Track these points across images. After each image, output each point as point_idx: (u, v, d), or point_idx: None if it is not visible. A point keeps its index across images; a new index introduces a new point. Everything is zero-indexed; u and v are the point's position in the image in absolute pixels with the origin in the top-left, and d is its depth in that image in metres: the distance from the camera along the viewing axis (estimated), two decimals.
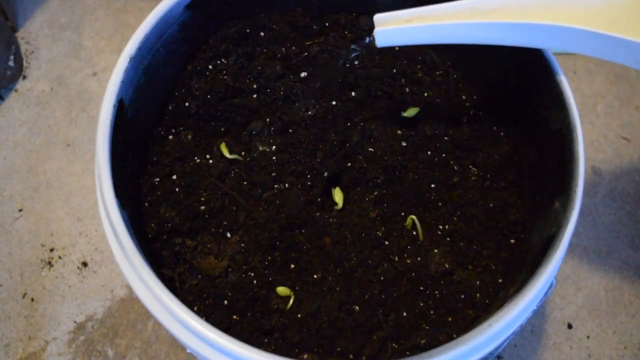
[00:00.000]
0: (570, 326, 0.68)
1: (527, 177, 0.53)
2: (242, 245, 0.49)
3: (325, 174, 0.53)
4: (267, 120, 0.55)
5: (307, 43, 0.59)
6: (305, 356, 0.44)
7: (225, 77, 0.56)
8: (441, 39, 0.41)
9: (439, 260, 0.49)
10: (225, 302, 0.47)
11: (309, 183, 0.52)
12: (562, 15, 0.40)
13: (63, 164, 0.76)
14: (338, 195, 0.52)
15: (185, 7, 0.53)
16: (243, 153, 0.54)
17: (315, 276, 0.49)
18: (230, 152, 0.53)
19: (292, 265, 0.49)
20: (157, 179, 0.52)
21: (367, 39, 0.43)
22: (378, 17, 0.43)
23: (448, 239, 0.51)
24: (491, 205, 0.52)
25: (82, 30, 0.87)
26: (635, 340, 0.67)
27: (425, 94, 0.58)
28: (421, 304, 0.48)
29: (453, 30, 0.40)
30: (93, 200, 0.73)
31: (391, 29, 0.42)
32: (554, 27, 0.39)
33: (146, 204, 0.50)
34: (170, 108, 0.54)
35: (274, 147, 0.54)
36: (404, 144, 0.55)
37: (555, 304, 0.69)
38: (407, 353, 0.45)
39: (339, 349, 0.45)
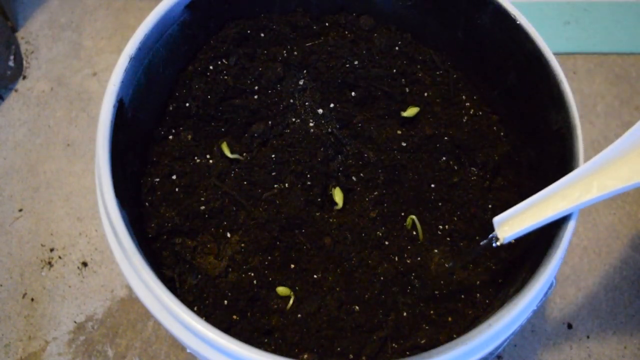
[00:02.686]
0: (570, 326, 0.68)
1: (527, 177, 0.53)
2: (242, 245, 0.49)
3: (326, 174, 0.53)
4: (268, 121, 0.55)
5: (308, 44, 0.59)
6: (305, 356, 0.44)
7: (225, 77, 0.56)
8: (556, 219, 0.43)
9: (439, 260, 0.49)
10: (225, 302, 0.47)
11: (309, 183, 0.52)
12: None
13: (63, 164, 0.76)
14: (338, 195, 0.52)
15: (185, 7, 0.53)
16: (244, 154, 0.54)
17: (315, 276, 0.49)
18: (231, 152, 0.53)
19: (292, 265, 0.49)
20: (157, 179, 0.51)
21: (494, 240, 0.44)
22: (497, 221, 0.44)
23: (448, 239, 0.51)
24: (491, 205, 0.52)
25: (82, 30, 0.87)
26: (635, 340, 0.67)
27: (425, 94, 0.58)
28: (421, 304, 0.48)
29: (569, 211, 0.42)
30: (93, 200, 0.73)
31: (517, 232, 0.43)
32: None
33: (146, 204, 0.50)
34: (170, 108, 0.54)
35: (274, 147, 0.54)
36: (404, 144, 0.55)
37: (555, 304, 0.69)
38: (407, 353, 0.45)
39: (339, 348, 0.45)
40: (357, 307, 0.47)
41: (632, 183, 0.39)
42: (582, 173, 0.42)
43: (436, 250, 0.50)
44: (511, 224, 0.43)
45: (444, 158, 0.54)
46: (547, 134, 0.50)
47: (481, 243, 0.45)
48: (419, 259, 0.49)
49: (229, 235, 0.50)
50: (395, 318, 0.46)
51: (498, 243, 0.44)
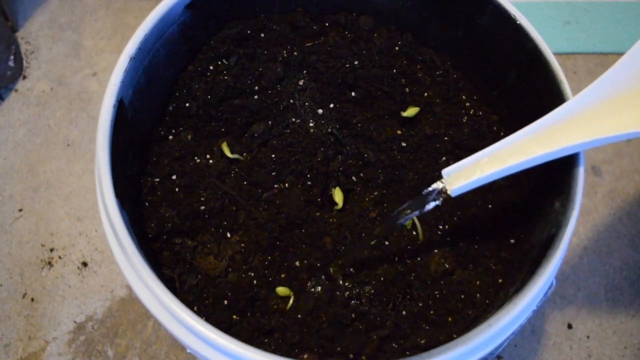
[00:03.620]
0: (570, 326, 0.68)
1: (527, 177, 0.53)
2: (242, 245, 0.49)
3: (325, 174, 0.53)
4: (268, 121, 0.55)
5: (308, 44, 0.59)
6: (305, 356, 0.44)
7: (225, 77, 0.56)
8: (508, 173, 0.42)
9: (439, 260, 0.49)
10: (225, 302, 0.47)
11: (309, 183, 0.52)
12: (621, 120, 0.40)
13: (63, 164, 0.76)
14: (338, 195, 0.52)
15: (185, 7, 0.53)
16: (244, 154, 0.54)
17: (315, 276, 0.48)
18: (231, 152, 0.53)
19: (292, 265, 0.49)
20: (157, 179, 0.51)
21: (437, 199, 0.43)
22: (446, 172, 0.43)
23: (448, 239, 0.51)
24: (491, 205, 0.52)
25: (82, 30, 0.87)
26: (635, 340, 0.67)
27: (425, 94, 0.58)
28: (421, 304, 0.48)
29: (521, 166, 0.41)
30: (93, 200, 0.73)
31: (466, 183, 0.42)
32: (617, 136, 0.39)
33: (146, 204, 0.50)
34: (170, 108, 0.54)
35: (274, 147, 0.54)
36: (403, 144, 0.55)
37: (555, 304, 0.69)
38: (407, 353, 0.45)
39: (338, 348, 0.45)
40: (357, 307, 0.47)
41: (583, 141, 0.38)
42: (536, 129, 0.41)
43: (436, 251, 0.50)
44: (460, 176, 0.42)
45: (444, 158, 0.54)
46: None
47: (423, 192, 0.43)
48: (418, 259, 0.49)
49: (229, 235, 0.50)
50: (395, 318, 0.46)
51: (445, 196, 0.42)
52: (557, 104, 0.48)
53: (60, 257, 0.70)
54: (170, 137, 0.54)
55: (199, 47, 0.57)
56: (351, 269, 0.49)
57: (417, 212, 0.45)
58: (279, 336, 0.45)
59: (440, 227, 0.52)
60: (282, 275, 0.48)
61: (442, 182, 0.43)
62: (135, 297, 0.67)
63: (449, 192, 0.43)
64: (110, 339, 0.65)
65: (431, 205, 0.44)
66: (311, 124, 0.55)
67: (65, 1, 0.89)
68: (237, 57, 0.57)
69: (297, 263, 0.49)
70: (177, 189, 0.51)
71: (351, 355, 0.45)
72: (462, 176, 0.43)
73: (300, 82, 0.57)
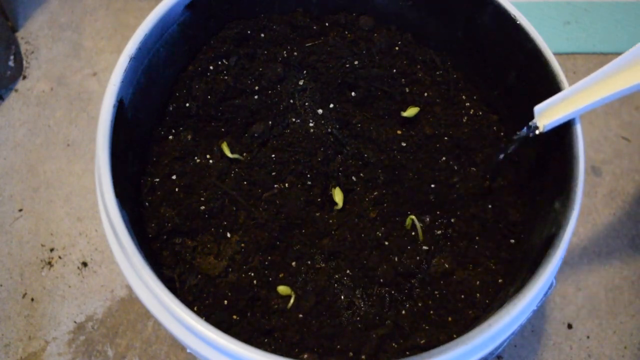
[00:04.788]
0: (570, 326, 0.68)
1: (527, 177, 0.53)
2: (242, 245, 0.49)
3: (325, 174, 0.53)
4: (268, 121, 0.55)
5: (308, 44, 0.59)
6: (305, 356, 0.44)
7: (225, 77, 0.56)
8: (592, 108, 0.45)
9: (439, 260, 0.49)
10: (225, 302, 0.47)
11: (309, 183, 0.52)
12: None
13: (63, 164, 0.76)
14: (338, 195, 0.52)
15: (185, 7, 0.53)
16: (244, 154, 0.54)
17: (315, 276, 0.48)
18: (231, 152, 0.53)
19: (293, 265, 0.49)
20: (157, 179, 0.51)
21: (532, 130, 0.47)
22: (538, 109, 0.47)
23: (448, 239, 0.51)
24: (491, 205, 0.52)
25: (82, 30, 0.87)
26: (635, 340, 0.67)
27: (425, 94, 0.58)
28: (421, 304, 0.48)
29: (604, 100, 0.45)
30: (93, 200, 0.73)
31: (556, 119, 0.46)
32: None
33: (146, 204, 0.50)
34: (170, 108, 0.54)
35: (274, 147, 0.54)
36: (403, 144, 0.55)
37: (555, 304, 0.69)
38: (407, 353, 0.45)
39: (338, 346, 0.45)
40: (357, 307, 0.47)
41: None
42: (620, 64, 0.43)
43: (436, 251, 0.50)
44: (551, 113, 0.46)
45: (444, 158, 0.54)
46: (547, 134, 0.50)
47: (519, 133, 0.47)
48: (418, 259, 0.49)
49: (229, 235, 0.50)
50: (395, 317, 0.46)
51: (537, 132, 0.46)
52: None
53: (60, 257, 0.70)
54: (170, 137, 0.54)
55: (199, 47, 0.57)
56: (351, 269, 0.49)
57: (513, 147, 0.50)
58: (279, 336, 0.45)
59: (440, 227, 0.51)
60: (282, 275, 0.48)
61: (534, 121, 0.47)
62: (135, 297, 0.67)
63: (541, 128, 0.46)
64: (110, 339, 0.65)
65: (525, 136, 0.48)
66: (311, 124, 0.55)
67: (65, 1, 0.89)
68: (237, 57, 0.57)
69: (297, 263, 0.49)
70: (177, 189, 0.51)
71: (351, 354, 0.45)
72: (552, 113, 0.46)
73: (300, 82, 0.57)
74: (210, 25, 0.57)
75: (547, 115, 0.46)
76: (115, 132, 0.45)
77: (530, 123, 0.47)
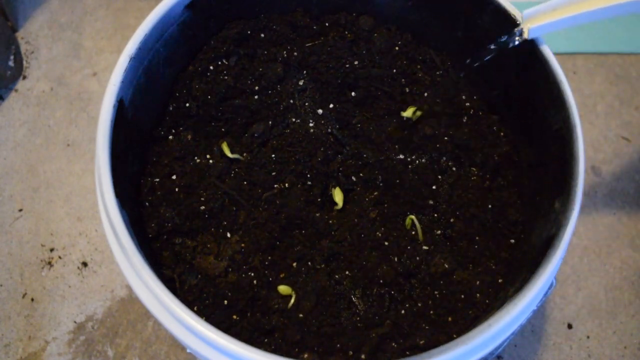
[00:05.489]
0: (570, 326, 0.68)
1: (527, 177, 0.53)
2: (242, 245, 0.49)
3: (325, 174, 0.53)
4: (268, 121, 0.55)
5: (308, 44, 0.59)
6: (306, 356, 0.44)
7: (226, 77, 0.56)
8: (583, 22, 0.44)
9: (438, 261, 0.49)
10: (225, 302, 0.47)
11: (309, 183, 0.52)
12: None
13: (63, 164, 0.76)
14: (338, 196, 0.52)
15: (185, 7, 0.53)
16: (244, 154, 0.54)
17: (315, 276, 0.48)
18: (231, 152, 0.53)
19: (293, 265, 0.49)
20: (157, 179, 0.51)
21: (517, 34, 0.46)
22: (527, 13, 0.46)
23: (448, 239, 0.51)
24: (491, 205, 0.52)
25: (82, 30, 0.87)
26: (635, 340, 0.67)
27: (425, 94, 0.58)
28: (421, 304, 0.48)
29: (595, 14, 0.43)
30: (93, 200, 0.73)
31: (543, 24, 0.44)
32: None
33: (146, 204, 0.50)
34: (170, 108, 0.54)
35: (274, 147, 0.54)
36: (403, 144, 0.55)
37: (555, 304, 0.69)
38: (407, 353, 0.45)
39: (338, 345, 0.45)
40: (357, 306, 0.47)
41: None
42: None
43: (436, 250, 0.50)
44: (540, 18, 0.45)
45: (444, 158, 0.54)
46: (547, 134, 0.50)
47: (501, 39, 0.46)
48: (418, 259, 0.49)
49: (229, 235, 0.50)
50: (395, 317, 0.46)
51: (523, 37, 0.45)
52: (557, 104, 0.48)
53: (60, 257, 0.70)
54: (170, 137, 0.54)
55: (199, 47, 0.57)
56: (351, 269, 0.49)
57: (496, 49, 0.48)
58: (279, 336, 0.45)
59: (440, 227, 0.52)
60: (282, 275, 0.48)
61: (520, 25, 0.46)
62: (135, 297, 0.67)
63: (525, 34, 0.45)
64: (110, 339, 0.65)
65: (510, 45, 0.47)
66: (311, 124, 0.55)
67: (65, 1, 0.89)
68: (237, 57, 0.57)
69: (297, 263, 0.49)
70: (177, 189, 0.51)
71: (351, 353, 0.45)
72: (540, 17, 0.45)
73: (300, 82, 0.57)
74: (210, 25, 0.57)
75: (534, 21, 0.45)
76: (115, 132, 0.45)
77: (515, 30, 0.46)
